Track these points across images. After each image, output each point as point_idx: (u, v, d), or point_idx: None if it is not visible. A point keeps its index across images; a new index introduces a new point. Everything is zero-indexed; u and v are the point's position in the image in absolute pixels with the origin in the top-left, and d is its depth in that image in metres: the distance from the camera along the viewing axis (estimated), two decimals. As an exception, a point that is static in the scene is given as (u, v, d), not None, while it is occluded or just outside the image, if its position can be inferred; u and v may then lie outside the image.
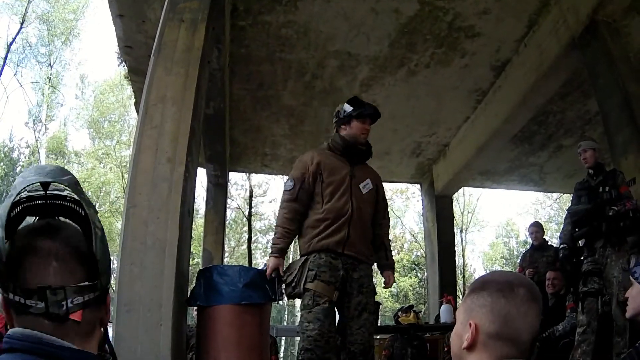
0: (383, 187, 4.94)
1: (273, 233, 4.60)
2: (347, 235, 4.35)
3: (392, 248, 4.89)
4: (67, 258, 1.26)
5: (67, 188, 1.34)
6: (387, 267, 4.72)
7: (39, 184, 1.31)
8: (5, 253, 1.19)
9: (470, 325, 1.65)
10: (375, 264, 4.81)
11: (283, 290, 4.42)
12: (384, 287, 4.95)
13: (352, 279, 4.34)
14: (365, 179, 4.65)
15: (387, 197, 5.03)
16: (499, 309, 1.63)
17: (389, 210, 5.03)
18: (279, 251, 4.43)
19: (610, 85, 6.48)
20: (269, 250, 4.54)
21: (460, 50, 8.34)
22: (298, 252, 4.92)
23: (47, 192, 1.33)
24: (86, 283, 1.26)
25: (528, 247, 9.26)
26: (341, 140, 4.68)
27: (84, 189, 1.38)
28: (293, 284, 4.28)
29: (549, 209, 38.99)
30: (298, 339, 4.46)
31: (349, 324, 4.30)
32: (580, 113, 10.03)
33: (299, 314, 4.46)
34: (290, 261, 4.75)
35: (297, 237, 4.65)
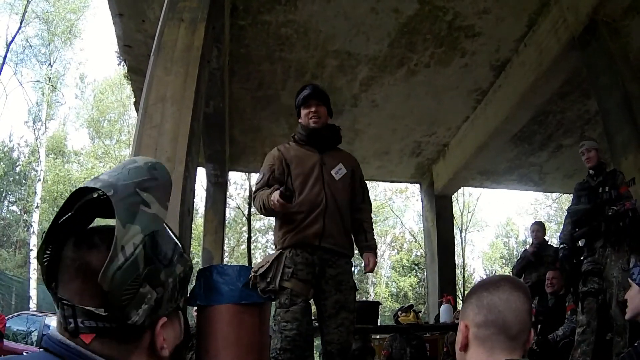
0: (360, 171, 4.70)
1: (260, 209, 4.31)
2: (322, 226, 4.17)
3: (393, 247, 4.73)
4: (80, 274, 1.17)
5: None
6: (367, 248, 4.48)
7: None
8: (42, 255, 1.18)
9: (461, 325, 1.77)
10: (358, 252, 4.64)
11: None
12: (364, 272, 4.75)
13: (328, 276, 4.17)
14: (336, 164, 4.43)
15: (386, 197, 4.87)
16: (482, 299, 1.75)
17: (369, 194, 4.80)
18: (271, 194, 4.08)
19: (610, 85, 6.49)
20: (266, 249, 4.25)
21: (460, 49, 8.34)
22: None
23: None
24: (98, 310, 1.14)
25: (527, 247, 9.26)
26: (303, 129, 4.51)
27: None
28: (268, 279, 4.11)
29: (549, 208, 39.09)
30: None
31: (325, 322, 4.15)
32: (580, 113, 10.04)
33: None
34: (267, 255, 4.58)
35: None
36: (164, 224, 1.27)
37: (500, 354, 1.68)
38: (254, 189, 4.40)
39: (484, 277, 37.89)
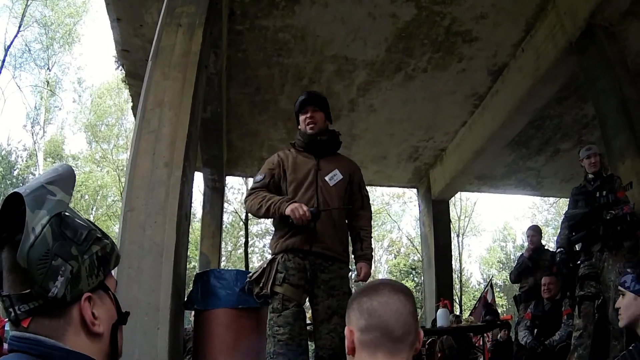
0: (360, 177, 4.67)
1: (257, 208, 4.26)
2: (313, 231, 4.16)
3: (390, 251, 4.69)
4: (12, 268, 1.31)
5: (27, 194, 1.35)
6: (361, 257, 4.46)
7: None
8: None
9: (346, 331, 1.82)
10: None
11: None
12: (355, 281, 4.76)
13: (320, 281, 4.16)
14: (332, 170, 4.41)
15: (384, 202, 4.82)
16: (362, 305, 1.78)
17: (370, 202, 4.76)
18: (287, 199, 4.17)
19: (607, 89, 6.50)
20: (276, 209, 4.21)
21: (458, 54, 8.35)
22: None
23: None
24: (26, 291, 1.28)
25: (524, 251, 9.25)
26: (301, 136, 4.53)
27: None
28: (260, 284, 4.13)
29: (546, 213, 39.10)
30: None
31: (317, 328, 4.14)
32: (577, 117, 10.06)
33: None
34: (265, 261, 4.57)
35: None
36: (76, 213, 1.44)
37: (382, 358, 1.71)
38: (253, 181, 4.42)
39: (481, 281, 37.93)
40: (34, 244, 1.27)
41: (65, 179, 1.43)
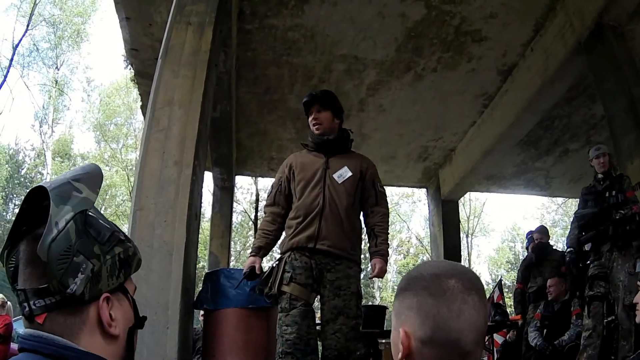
0: (374, 173, 4.67)
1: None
2: (318, 229, 4.18)
3: (399, 251, 4.66)
4: (30, 261, 1.29)
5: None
6: (375, 254, 4.38)
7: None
8: (8, 260, 1.33)
9: (401, 332, 1.37)
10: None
11: (257, 290, 4.39)
12: (369, 277, 4.76)
13: (326, 281, 4.15)
14: (340, 168, 4.42)
15: (394, 202, 4.79)
16: (427, 309, 1.34)
17: (386, 198, 4.69)
18: (256, 249, 4.40)
19: (615, 89, 6.48)
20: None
21: (467, 54, 8.33)
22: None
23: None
24: (44, 286, 1.26)
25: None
26: (310, 136, 4.61)
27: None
28: (268, 283, 4.17)
29: (554, 213, 38.99)
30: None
31: (324, 327, 4.12)
32: (586, 117, 10.02)
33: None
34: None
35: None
36: (100, 214, 1.42)
37: None
38: (262, 194, 4.53)
39: (490, 282, 37.53)
40: (56, 238, 1.24)
41: (93, 178, 1.42)
